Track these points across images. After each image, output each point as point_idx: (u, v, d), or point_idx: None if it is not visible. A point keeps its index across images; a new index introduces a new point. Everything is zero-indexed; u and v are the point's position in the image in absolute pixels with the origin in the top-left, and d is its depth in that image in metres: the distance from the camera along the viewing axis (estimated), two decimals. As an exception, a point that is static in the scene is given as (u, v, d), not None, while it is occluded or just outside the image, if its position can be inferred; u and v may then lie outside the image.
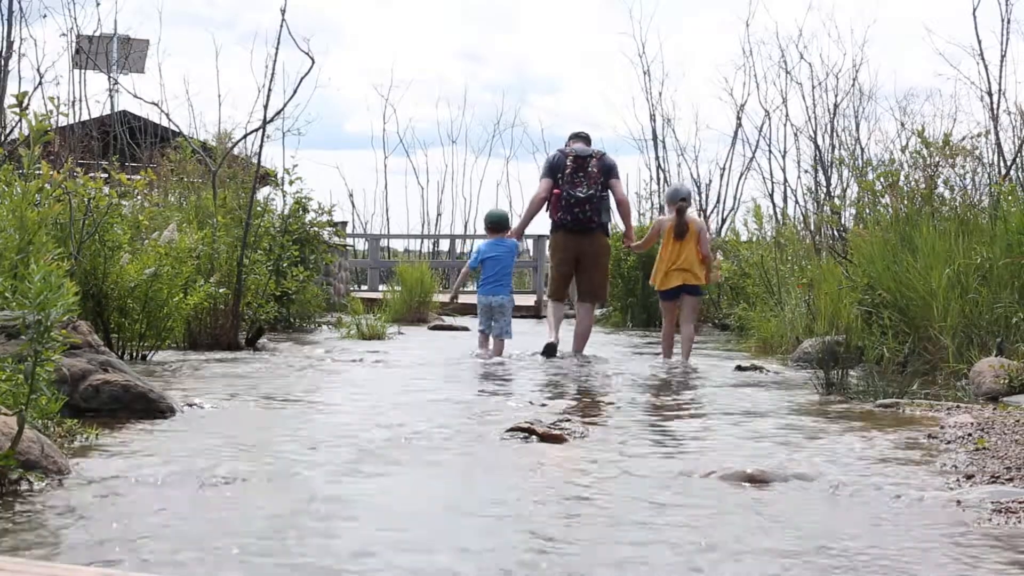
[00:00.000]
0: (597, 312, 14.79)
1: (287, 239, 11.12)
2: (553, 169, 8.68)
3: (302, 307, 11.81)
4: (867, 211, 9.14)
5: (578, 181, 8.53)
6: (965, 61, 39.41)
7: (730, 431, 4.73)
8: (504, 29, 42.79)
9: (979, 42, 15.32)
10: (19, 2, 14.10)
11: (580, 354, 8.66)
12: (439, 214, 29.81)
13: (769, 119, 21.60)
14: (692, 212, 8.54)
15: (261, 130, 10.09)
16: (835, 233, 11.59)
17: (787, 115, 21.44)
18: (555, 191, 8.58)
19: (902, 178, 8.79)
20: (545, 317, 9.67)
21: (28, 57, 23.82)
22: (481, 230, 11.74)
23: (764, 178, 21.69)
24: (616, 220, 9.21)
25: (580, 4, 42.60)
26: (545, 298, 9.44)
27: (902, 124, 18.51)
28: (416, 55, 41.34)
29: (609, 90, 44.18)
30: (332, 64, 41.67)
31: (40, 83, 14.40)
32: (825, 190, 19.19)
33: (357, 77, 41.81)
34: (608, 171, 8.65)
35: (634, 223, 10.69)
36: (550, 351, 8.51)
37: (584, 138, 9.02)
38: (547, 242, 8.99)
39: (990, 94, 15.05)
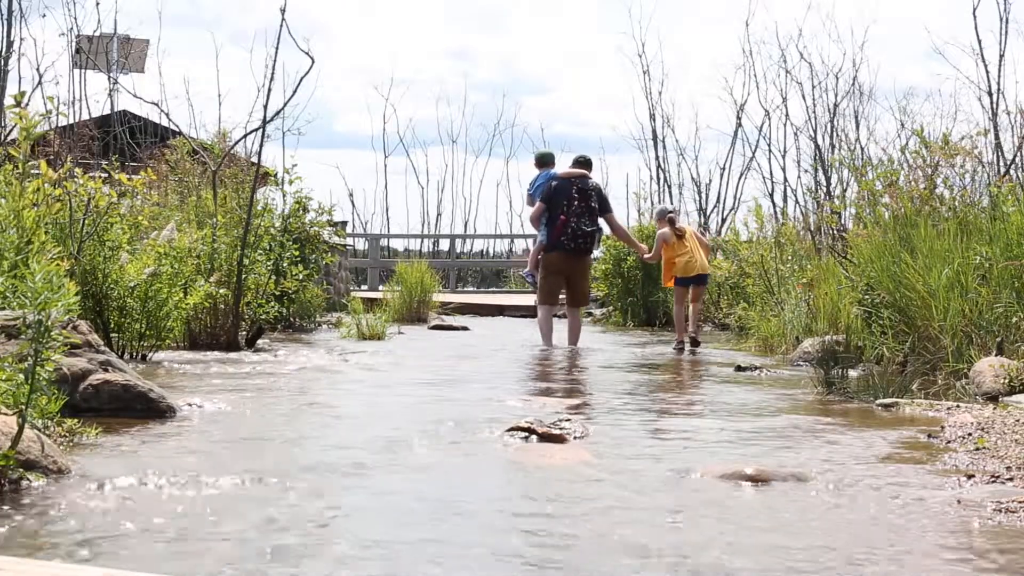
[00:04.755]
0: (598, 312, 15.50)
1: (287, 239, 11.11)
2: (555, 197, 9.63)
3: (302, 307, 11.80)
4: (867, 211, 9.13)
5: (584, 215, 9.60)
6: (964, 61, 39.42)
7: (730, 431, 4.73)
8: (501, 29, 42.80)
9: (979, 42, 15.36)
10: (19, 1, 14.10)
11: (576, 347, 9.77)
12: (439, 214, 29.86)
13: (769, 119, 21.61)
14: (681, 221, 10.38)
15: (261, 129, 10.08)
16: (835, 233, 11.58)
17: (787, 115, 21.46)
18: (561, 217, 9.53)
19: (901, 178, 8.78)
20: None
21: (28, 57, 23.81)
22: (481, 230, 11.97)
23: (764, 178, 21.70)
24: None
25: (578, 4, 42.61)
26: (535, 302, 10.49)
27: (902, 124, 18.53)
28: (413, 56, 41.39)
29: (608, 90, 44.18)
30: (331, 65, 41.69)
31: (40, 83, 14.42)
32: (825, 190, 19.19)
33: (355, 76, 41.82)
34: (604, 204, 9.88)
35: (633, 222, 12.63)
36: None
37: (585, 163, 10.00)
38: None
39: (989, 94, 15.06)
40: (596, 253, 12.34)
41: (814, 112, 20.53)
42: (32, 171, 6.48)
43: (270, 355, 8.24)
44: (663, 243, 10.07)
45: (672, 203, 22.25)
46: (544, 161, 10.50)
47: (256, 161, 10.26)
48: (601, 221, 9.89)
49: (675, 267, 10.02)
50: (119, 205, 7.65)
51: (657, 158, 22.74)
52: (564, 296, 10.24)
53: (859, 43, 29.70)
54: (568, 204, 9.54)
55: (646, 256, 10.68)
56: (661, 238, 10.08)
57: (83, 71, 16.80)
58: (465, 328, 12.68)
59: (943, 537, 2.87)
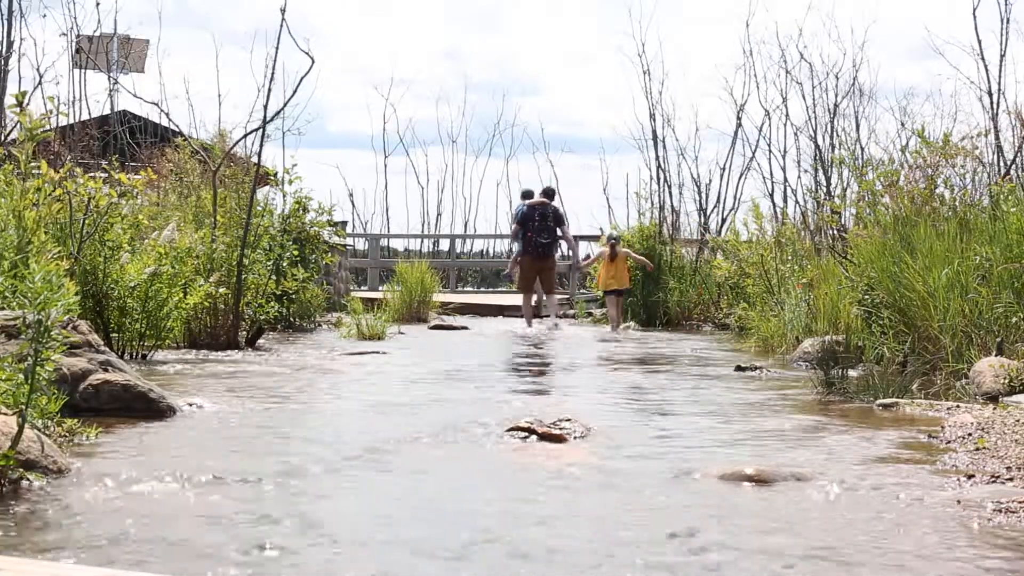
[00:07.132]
0: (598, 312, 15.85)
1: (287, 239, 11.10)
2: (524, 220, 13.76)
3: (302, 307, 11.80)
4: (867, 211, 9.12)
5: (542, 231, 13.67)
6: (965, 61, 39.41)
7: (730, 430, 4.73)
8: (500, 29, 42.82)
9: (979, 42, 15.31)
10: (19, 1, 14.11)
11: (557, 317, 14.09)
12: (439, 214, 29.85)
13: (769, 119, 21.56)
14: (620, 247, 14.25)
15: (261, 130, 10.07)
16: (835, 233, 11.57)
17: (787, 115, 21.40)
18: (528, 234, 13.66)
19: (901, 178, 8.77)
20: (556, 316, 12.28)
21: (28, 57, 23.75)
22: (482, 229, 12.91)
23: (764, 178, 21.63)
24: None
25: (578, 4, 42.63)
26: (516, 290, 14.50)
27: (902, 124, 18.52)
28: (412, 56, 41.43)
29: (608, 90, 44.17)
30: (330, 65, 41.71)
31: (40, 83, 14.42)
32: (825, 190, 19.18)
33: (355, 76, 41.82)
34: (559, 221, 13.95)
35: (634, 222, 15.27)
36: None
37: (547, 193, 14.16)
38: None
39: (990, 94, 15.05)
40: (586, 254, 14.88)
41: (814, 112, 20.49)
42: (33, 171, 6.48)
43: (270, 355, 8.24)
44: (600, 258, 14.38)
45: (672, 203, 22.27)
46: (525, 195, 14.29)
47: (256, 161, 10.26)
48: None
49: (603, 280, 14.08)
50: (119, 205, 7.65)
51: (657, 158, 22.67)
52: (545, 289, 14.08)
53: (859, 43, 29.63)
54: (532, 224, 13.69)
55: (581, 265, 15.92)
56: (600, 254, 14.41)
57: (83, 71, 16.78)
58: (465, 328, 12.69)
59: (943, 537, 2.87)
